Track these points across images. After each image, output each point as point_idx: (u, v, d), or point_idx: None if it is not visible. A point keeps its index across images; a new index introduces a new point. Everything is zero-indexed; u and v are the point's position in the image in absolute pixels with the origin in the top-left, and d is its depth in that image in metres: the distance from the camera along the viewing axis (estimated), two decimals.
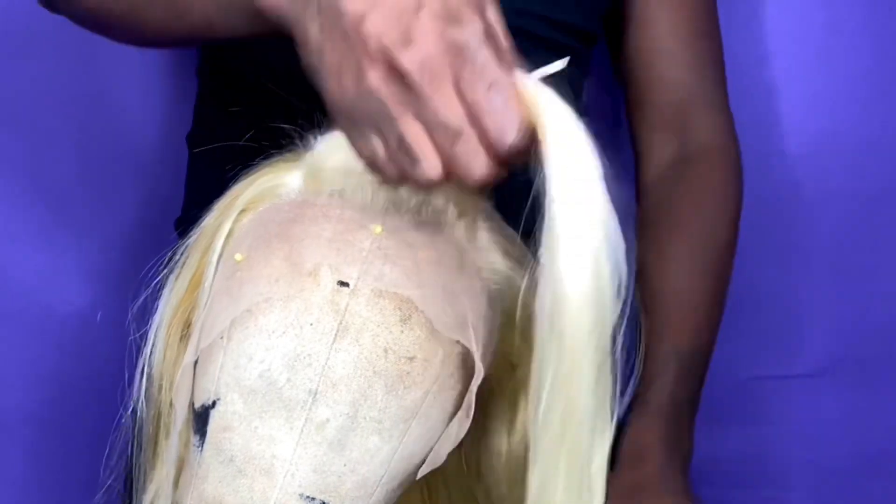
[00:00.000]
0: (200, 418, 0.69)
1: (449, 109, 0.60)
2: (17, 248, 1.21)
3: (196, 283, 0.73)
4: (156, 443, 0.74)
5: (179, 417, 0.70)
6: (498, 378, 0.75)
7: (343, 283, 0.68)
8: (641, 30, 1.10)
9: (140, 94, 1.23)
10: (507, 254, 0.74)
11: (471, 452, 0.77)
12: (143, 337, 0.74)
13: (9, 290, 1.22)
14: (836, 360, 1.28)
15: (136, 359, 0.74)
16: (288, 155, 0.74)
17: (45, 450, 1.24)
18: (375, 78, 0.61)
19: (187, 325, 0.72)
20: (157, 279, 0.75)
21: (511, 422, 0.76)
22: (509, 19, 0.65)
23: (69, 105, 1.22)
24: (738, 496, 1.28)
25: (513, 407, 0.77)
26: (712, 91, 1.10)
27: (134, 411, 0.74)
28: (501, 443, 0.77)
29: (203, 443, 0.69)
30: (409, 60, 0.60)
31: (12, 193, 1.20)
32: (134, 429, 0.74)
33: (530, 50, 0.64)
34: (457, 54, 0.60)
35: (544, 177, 0.62)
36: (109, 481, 0.75)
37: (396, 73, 0.61)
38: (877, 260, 1.28)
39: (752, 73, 1.23)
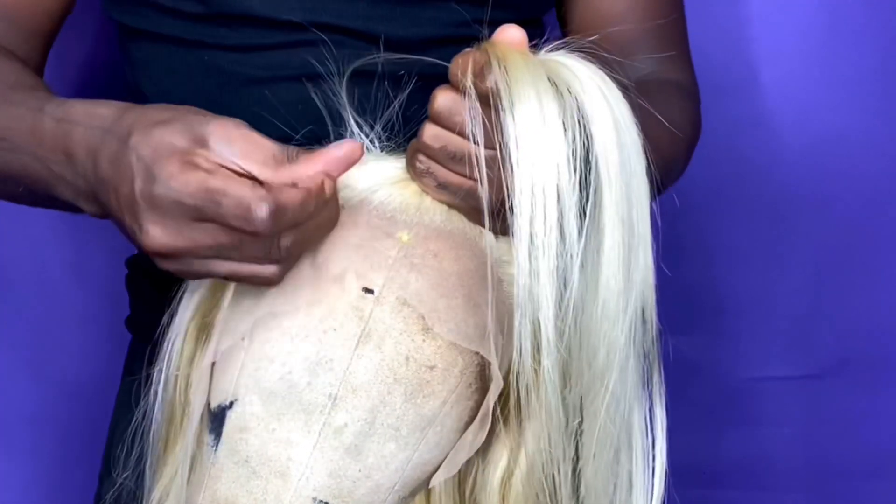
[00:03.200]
0: (216, 418, 0.69)
1: None
2: (23, 247, 1.20)
3: (217, 286, 0.72)
4: (167, 442, 0.73)
5: (195, 417, 0.70)
6: (507, 394, 0.74)
7: (368, 290, 0.68)
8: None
9: None
10: None
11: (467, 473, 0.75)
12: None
13: (13, 289, 1.21)
14: (837, 361, 1.28)
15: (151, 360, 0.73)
16: None
17: (47, 450, 1.23)
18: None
19: (206, 326, 0.72)
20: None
21: (515, 445, 0.73)
22: None
23: None
24: (738, 496, 1.28)
25: (518, 426, 0.74)
26: (661, 32, 0.96)
27: (145, 411, 0.74)
28: (501, 462, 0.75)
29: (218, 443, 0.69)
30: None
31: None
32: (144, 428, 0.74)
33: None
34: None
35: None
36: (121, 480, 0.75)
37: None
38: (878, 261, 1.27)
39: (753, 75, 1.22)
